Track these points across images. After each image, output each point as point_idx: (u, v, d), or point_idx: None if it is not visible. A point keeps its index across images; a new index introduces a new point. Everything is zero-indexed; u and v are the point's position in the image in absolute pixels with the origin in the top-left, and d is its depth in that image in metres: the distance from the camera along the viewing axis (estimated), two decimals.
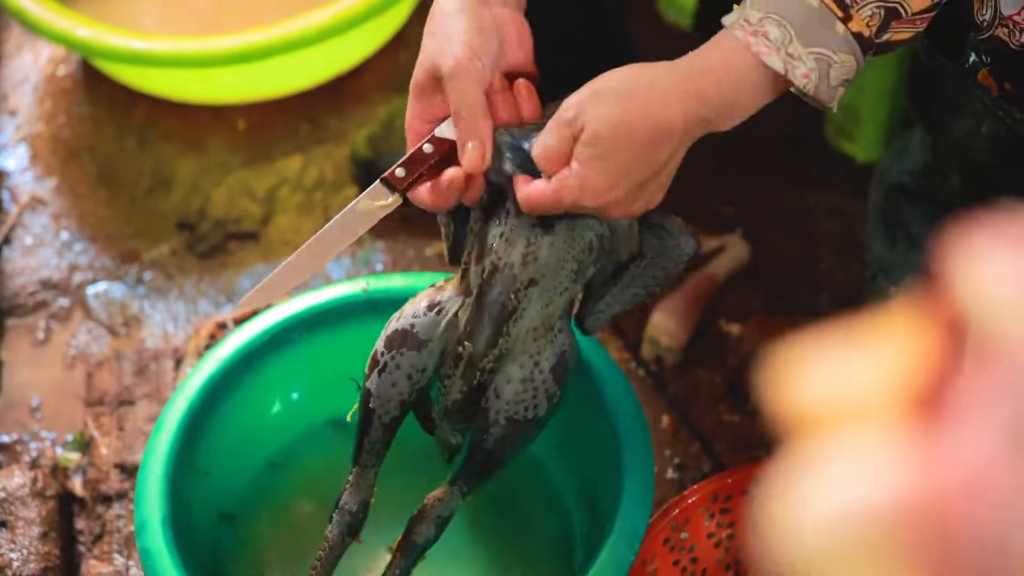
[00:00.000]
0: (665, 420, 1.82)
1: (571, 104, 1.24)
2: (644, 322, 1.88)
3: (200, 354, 1.90)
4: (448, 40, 1.29)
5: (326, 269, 2.03)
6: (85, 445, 1.83)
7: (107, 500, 1.78)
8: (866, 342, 0.44)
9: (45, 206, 2.15)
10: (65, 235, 2.11)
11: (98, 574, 1.72)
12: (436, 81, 1.29)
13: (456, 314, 1.36)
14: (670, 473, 1.77)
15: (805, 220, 2.04)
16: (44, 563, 1.65)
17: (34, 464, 1.79)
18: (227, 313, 1.97)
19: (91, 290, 2.03)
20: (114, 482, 1.79)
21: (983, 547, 0.38)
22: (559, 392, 1.36)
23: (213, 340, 1.92)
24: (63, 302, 2.02)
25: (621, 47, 2.12)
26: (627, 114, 1.21)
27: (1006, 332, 0.40)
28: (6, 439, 1.85)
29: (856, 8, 1.19)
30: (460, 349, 1.36)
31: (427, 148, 1.30)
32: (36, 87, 2.32)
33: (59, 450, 1.83)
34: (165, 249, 2.08)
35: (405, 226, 2.06)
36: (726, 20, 1.23)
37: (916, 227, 1.65)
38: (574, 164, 1.23)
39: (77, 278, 2.05)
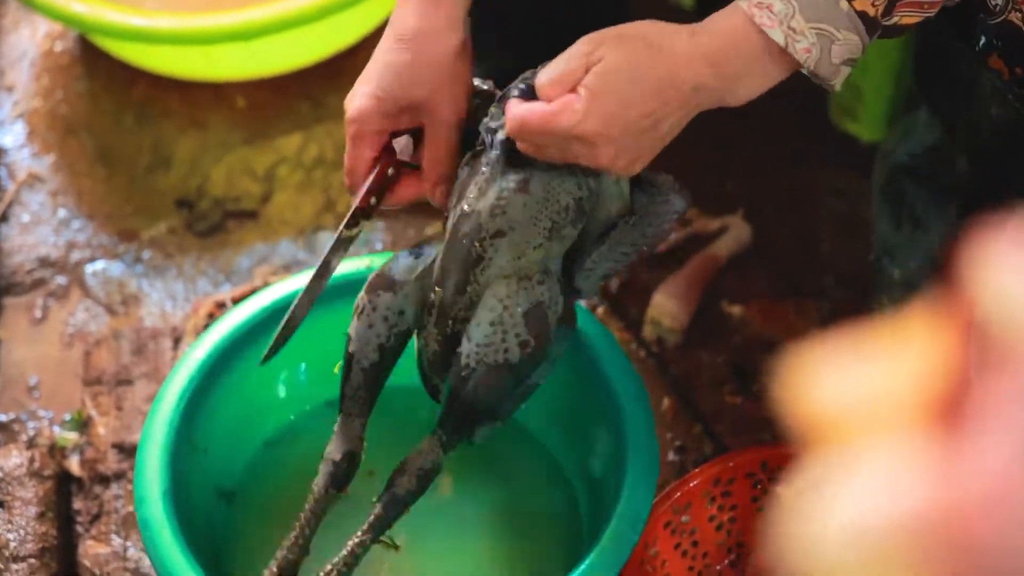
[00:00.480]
0: (666, 402, 1.82)
1: (591, 38, 1.26)
2: (646, 303, 1.87)
3: (199, 334, 1.90)
4: (436, 68, 1.35)
5: (325, 249, 2.02)
6: (83, 424, 1.83)
7: (105, 480, 1.78)
8: (884, 347, 0.43)
9: (43, 183, 2.14)
10: (63, 213, 2.10)
11: (95, 555, 1.71)
12: (412, 102, 1.35)
13: (434, 260, 1.38)
14: (671, 456, 1.77)
15: (808, 200, 2.03)
16: (41, 543, 1.65)
17: (31, 443, 1.79)
18: (226, 292, 1.97)
19: (89, 268, 2.03)
20: (112, 462, 1.79)
21: (1006, 557, 0.38)
22: (533, 341, 1.33)
23: (212, 319, 1.92)
24: (61, 280, 2.02)
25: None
26: (646, 57, 1.22)
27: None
28: (3, 418, 1.85)
29: None
30: (432, 295, 1.37)
31: (391, 172, 1.39)
32: (33, 63, 2.31)
33: (56, 429, 1.83)
34: (164, 227, 2.08)
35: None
36: None
37: (921, 209, 1.65)
38: (582, 91, 1.23)
39: (75, 256, 2.04)
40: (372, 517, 1.42)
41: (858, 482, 0.41)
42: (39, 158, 2.18)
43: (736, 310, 1.91)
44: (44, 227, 2.08)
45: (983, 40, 1.35)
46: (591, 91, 1.23)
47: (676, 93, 1.23)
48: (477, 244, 1.32)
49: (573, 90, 1.24)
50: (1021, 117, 1.38)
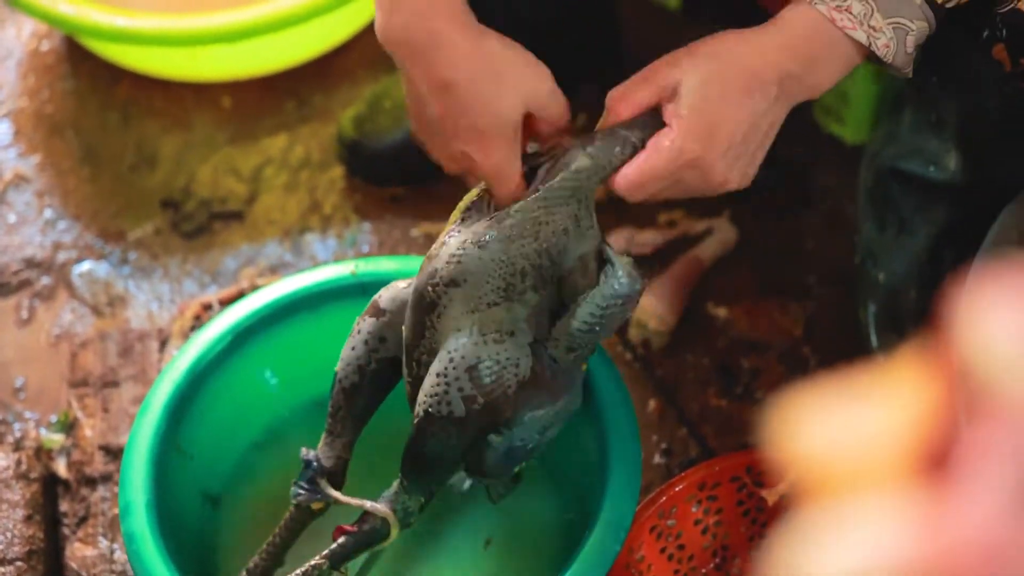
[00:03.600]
0: (652, 404, 1.82)
1: (660, 62, 1.28)
2: None
3: (185, 335, 1.90)
4: (531, 67, 1.31)
5: (314, 250, 2.02)
6: (69, 426, 1.83)
7: (91, 482, 1.78)
8: (874, 394, 0.44)
9: (28, 183, 2.14)
10: (49, 213, 2.10)
11: (82, 557, 1.72)
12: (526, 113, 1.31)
13: None
14: (657, 458, 1.78)
15: (792, 201, 2.03)
16: (28, 546, 1.65)
17: (18, 446, 1.79)
18: (212, 294, 1.97)
19: (75, 269, 2.02)
20: (98, 464, 1.79)
21: None
22: (480, 398, 1.31)
23: (198, 321, 1.92)
24: (47, 281, 2.01)
25: (608, 27, 2.12)
26: (721, 66, 1.25)
27: (1011, 390, 0.40)
28: None
29: None
30: (403, 332, 1.37)
31: None
32: (19, 62, 2.31)
33: (43, 431, 1.83)
34: (149, 228, 2.07)
35: (392, 207, 2.06)
36: None
37: (907, 212, 1.65)
38: (673, 121, 1.26)
39: (61, 257, 2.04)
40: (335, 545, 1.43)
41: (849, 533, 0.41)
42: (25, 158, 2.18)
43: (721, 312, 1.91)
44: (30, 227, 2.08)
45: (987, 31, 1.36)
46: (681, 118, 1.25)
47: (761, 89, 1.25)
48: (431, 289, 1.31)
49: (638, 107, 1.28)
50: (1015, 111, 1.40)
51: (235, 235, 2.06)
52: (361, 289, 1.60)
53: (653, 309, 1.86)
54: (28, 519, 1.67)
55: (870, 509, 0.42)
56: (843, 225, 1.96)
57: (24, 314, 1.98)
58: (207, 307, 1.93)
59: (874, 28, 1.24)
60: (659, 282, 1.88)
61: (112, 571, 1.71)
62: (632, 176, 1.28)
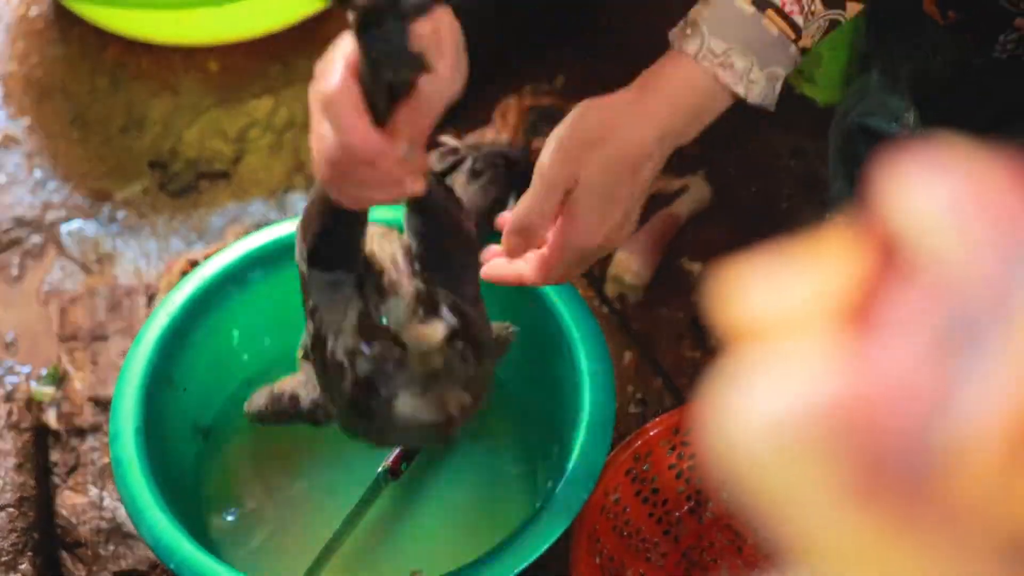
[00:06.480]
0: (628, 356, 1.85)
1: (554, 163, 1.28)
2: (608, 261, 1.90)
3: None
4: None
5: (298, 208, 2.04)
6: (59, 379, 1.85)
7: (81, 433, 1.80)
8: (803, 260, 0.45)
9: (18, 145, 2.16)
10: (38, 174, 2.12)
11: (72, 504, 1.74)
12: None
13: None
14: (633, 408, 1.80)
15: (767, 161, 2.06)
16: (19, 493, 1.67)
17: (9, 397, 1.81)
18: (199, 251, 1.99)
19: (64, 228, 2.05)
20: (88, 415, 1.82)
21: (906, 449, 0.40)
22: (359, 350, 1.31)
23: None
24: (37, 239, 2.04)
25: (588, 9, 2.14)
26: (611, 152, 1.26)
27: (932, 248, 0.42)
28: None
29: (806, 28, 1.26)
30: None
31: None
32: (8, 28, 2.32)
33: (34, 384, 1.85)
34: (137, 188, 2.10)
35: None
36: (687, 47, 1.27)
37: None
38: (568, 219, 1.29)
39: (50, 216, 2.06)
40: None
41: (770, 379, 0.43)
42: (15, 120, 2.20)
43: (696, 267, 1.93)
44: (20, 188, 2.10)
45: None
46: (576, 217, 1.28)
47: (648, 159, 1.28)
48: None
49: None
50: (964, 64, 1.43)
51: (221, 194, 2.08)
52: None
53: (629, 264, 1.87)
54: (19, 467, 1.70)
55: (795, 358, 0.43)
56: (815, 183, 1.98)
57: (15, 271, 2.00)
58: (194, 263, 1.95)
59: (752, 81, 1.27)
60: (635, 238, 1.89)
61: (102, 518, 1.73)
62: (538, 278, 1.33)
